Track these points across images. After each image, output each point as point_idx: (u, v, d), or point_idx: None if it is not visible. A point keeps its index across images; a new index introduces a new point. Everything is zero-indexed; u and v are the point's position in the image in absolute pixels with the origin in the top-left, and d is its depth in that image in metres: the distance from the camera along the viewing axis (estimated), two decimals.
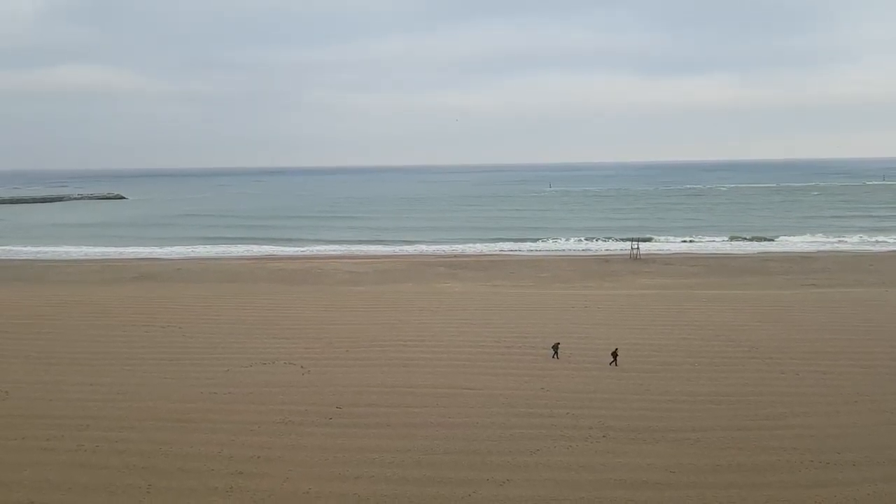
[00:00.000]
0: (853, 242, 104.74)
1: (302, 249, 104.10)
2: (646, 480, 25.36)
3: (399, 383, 36.55)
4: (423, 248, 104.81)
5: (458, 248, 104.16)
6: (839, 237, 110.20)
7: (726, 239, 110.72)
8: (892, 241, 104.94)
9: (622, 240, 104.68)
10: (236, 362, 40.52)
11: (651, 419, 31.20)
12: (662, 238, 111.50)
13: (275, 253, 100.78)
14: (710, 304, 56.87)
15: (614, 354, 39.66)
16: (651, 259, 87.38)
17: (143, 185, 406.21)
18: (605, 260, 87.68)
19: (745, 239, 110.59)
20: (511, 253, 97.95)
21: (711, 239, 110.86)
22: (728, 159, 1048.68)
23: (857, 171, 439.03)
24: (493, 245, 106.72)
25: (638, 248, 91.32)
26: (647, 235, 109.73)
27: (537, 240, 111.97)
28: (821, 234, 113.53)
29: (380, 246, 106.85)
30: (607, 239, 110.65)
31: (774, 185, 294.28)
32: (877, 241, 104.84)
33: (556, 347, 40.80)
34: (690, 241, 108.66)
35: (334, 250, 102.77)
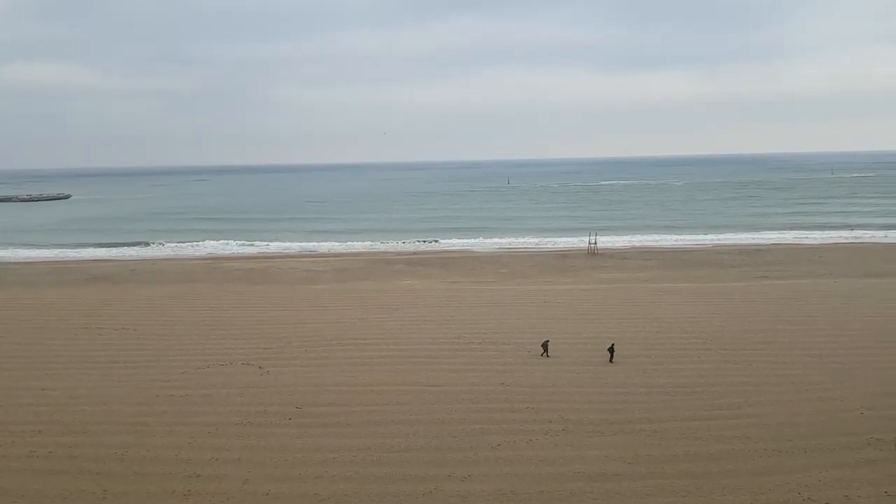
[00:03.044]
0: (803, 235, 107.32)
1: (259, 248, 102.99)
2: (604, 472, 25.71)
3: (360, 382, 36.43)
4: (383, 245, 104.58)
5: (418, 244, 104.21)
6: (790, 230, 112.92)
7: (681, 233, 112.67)
8: (840, 233, 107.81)
9: (580, 235, 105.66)
10: (193, 364, 39.95)
11: (609, 411, 31.63)
12: (620, 233, 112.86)
13: (231, 252, 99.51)
14: (665, 297, 57.82)
15: (545, 346, 40.14)
16: (608, 254, 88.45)
17: (95, 184, 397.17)
18: (564, 255, 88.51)
19: (700, 233, 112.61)
20: (471, 249, 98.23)
21: (667, 233, 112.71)
22: (685, 154, 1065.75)
23: (808, 165, 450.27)
24: (452, 241, 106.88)
25: (595, 243, 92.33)
26: (605, 230, 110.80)
27: (496, 236, 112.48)
28: (772, 228, 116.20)
29: (339, 244, 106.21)
30: (565, 234, 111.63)
31: (727, 179, 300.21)
32: (826, 233, 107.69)
33: (545, 346, 40.73)
34: (646, 236, 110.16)
35: (292, 249, 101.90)
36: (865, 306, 52.33)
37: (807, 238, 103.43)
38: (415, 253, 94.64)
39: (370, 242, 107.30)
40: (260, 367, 39.12)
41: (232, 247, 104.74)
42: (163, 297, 61.01)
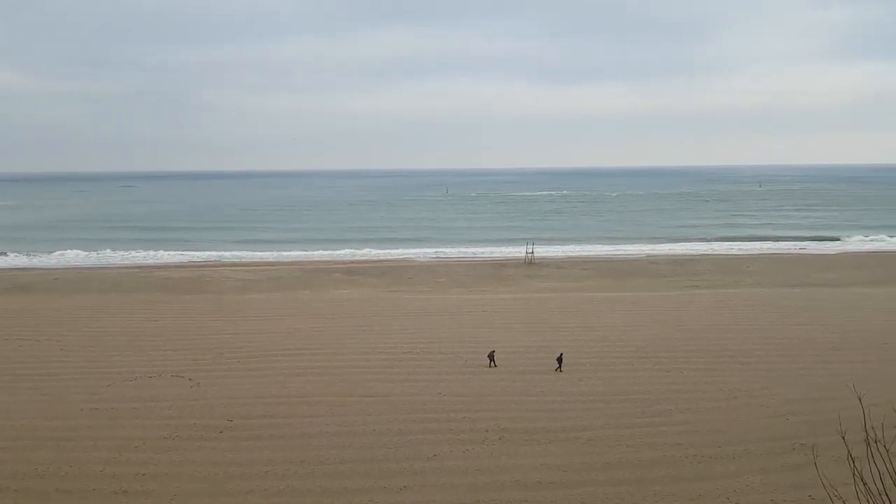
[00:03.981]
0: (732, 245, 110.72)
1: (190, 256, 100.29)
2: (540, 480, 25.82)
3: (294, 393, 35.80)
4: (319, 253, 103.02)
5: (355, 253, 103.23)
6: (720, 241, 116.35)
7: (616, 243, 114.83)
8: (766, 244, 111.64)
9: (518, 244, 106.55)
10: (120, 376, 38.60)
11: (545, 420, 31.84)
12: (556, 242, 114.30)
13: (161, 260, 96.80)
14: (601, 305, 58.75)
15: (490, 357, 40.28)
16: (545, 263, 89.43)
17: (15, 189, 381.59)
18: (501, 264, 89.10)
19: (634, 243, 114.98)
20: (408, 258, 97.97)
21: (602, 243, 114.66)
22: (620, 166, 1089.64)
23: (737, 178, 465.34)
24: (390, 250, 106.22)
25: (533, 253, 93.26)
26: (542, 240, 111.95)
27: (434, 245, 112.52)
28: (703, 238, 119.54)
29: (273, 252, 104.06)
30: (503, 244, 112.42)
31: (660, 190, 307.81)
32: (753, 244, 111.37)
33: (491, 356, 40.58)
34: (582, 246, 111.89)
35: (225, 257, 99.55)
36: (789, 315, 54.17)
37: (736, 249, 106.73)
38: (352, 262, 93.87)
39: (307, 251, 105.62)
40: (190, 379, 38.05)
41: (161, 255, 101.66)
42: (88, 307, 58.90)
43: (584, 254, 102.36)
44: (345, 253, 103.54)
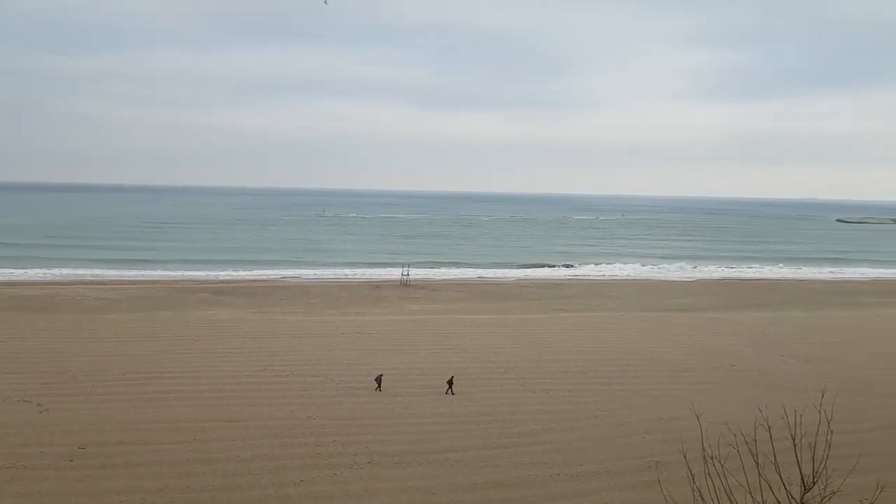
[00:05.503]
0: (596, 269, 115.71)
1: (45, 274, 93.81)
2: (408, 503, 25.81)
3: (153, 418, 34.13)
4: (185, 273, 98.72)
5: (224, 273, 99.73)
6: (586, 265, 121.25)
7: (489, 267, 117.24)
8: (628, 270, 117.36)
9: (393, 266, 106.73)
10: None
11: (414, 442, 31.92)
12: (432, 265, 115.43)
13: (12, 278, 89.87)
14: (473, 328, 59.74)
15: (378, 381, 40.03)
16: (420, 285, 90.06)
17: None
18: (377, 286, 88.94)
19: (505, 267, 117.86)
20: (280, 279, 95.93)
21: (475, 267, 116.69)
22: (496, 191, 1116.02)
23: (603, 206, 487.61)
24: (261, 270, 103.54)
25: (408, 275, 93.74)
26: (418, 262, 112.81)
27: (308, 265, 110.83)
28: (570, 263, 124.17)
29: (134, 270, 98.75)
30: (379, 265, 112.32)
31: (531, 216, 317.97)
32: (618, 269, 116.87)
33: (378, 380, 39.95)
34: (456, 269, 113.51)
35: (82, 275, 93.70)
36: (647, 338, 57.14)
37: (599, 274, 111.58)
38: (221, 281, 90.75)
39: (173, 270, 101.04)
40: (38, 405, 35.49)
41: (13, 272, 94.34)
42: None
43: (458, 276, 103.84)
44: (214, 272, 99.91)
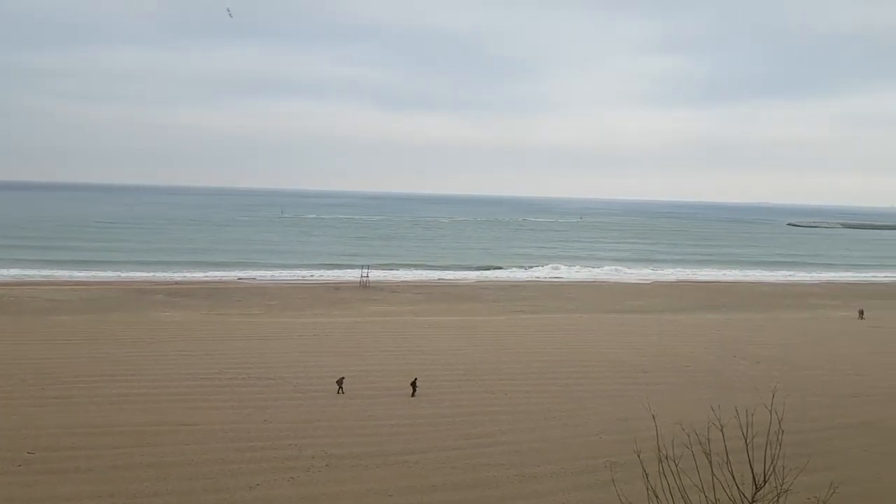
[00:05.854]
0: (554, 272, 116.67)
1: None
2: None
3: (105, 423, 33.38)
4: (139, 273, 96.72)
5: (180, 274, 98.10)
6: (544, 267, 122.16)
7: (448, 269, 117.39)
8: (586, 272, 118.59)
9: (353, 268, 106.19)
10: None
11: (373, 444, 31.75)
12: (392, 266, 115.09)
13: None
14: (431, 329, 59.74)
15: (339, 383, 39.78)
16: (380, 286, 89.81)
17: None
18: (336, 287, 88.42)
19: (464, 268, 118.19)
20: (238, 280, 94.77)
21: (435, 269, 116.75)
22: (456, 193, 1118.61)
23: (561, 209, 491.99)
24: (218, 272, 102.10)
25: (368, 276, 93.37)
26: (378, 264, 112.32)
27: (266, 267, 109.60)
28: (529, 265, 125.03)
29: (87, 271, 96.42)
30: (338, 267, 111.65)
31: (489, 218, 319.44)
32: (576, 271, 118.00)
33: (340, 382, 39.58)
34: (416, 270, 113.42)
35: (31, 275, 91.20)
36: (604, 339, 57.80)
37: (556, 274, 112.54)
38: (176, 283, 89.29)
39: (126, 271, 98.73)
40: None
41: None
42: None
43: (418, 278, 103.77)
44: (169, 273, 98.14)
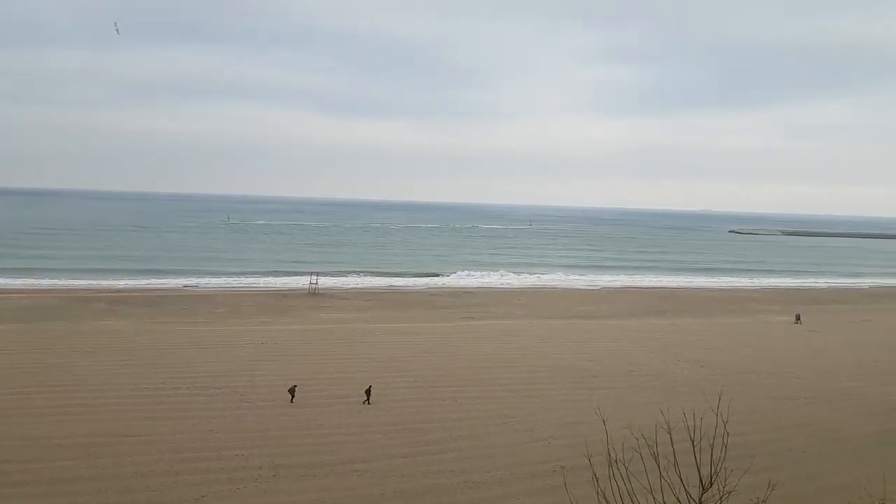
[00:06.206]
0: (504, 278, 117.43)
1: None
2: None
3: (44, 435, 32.26)
4: (79, 281, 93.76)
5: (122, 282, 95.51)
6: (495, 273, 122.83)
7: (399, 274, 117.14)
8: (534, 278, 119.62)
9: (302, 275, 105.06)
10: None
11: (322, 453, 31.40)
12: (341, 273, 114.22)
13: None
14: (382, 336, 59.43)
15: (291, 391, 39.24)
16: (329, 294, 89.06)
17: None
18: (284, 295, 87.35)
19: (415, 275, 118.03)
20: (182, 287, 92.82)
21: (385, 276, 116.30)
22: (407, 200, 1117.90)
23: (511, 216, 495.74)
24: (162, 279, 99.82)
25: (317, 283, 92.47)
26: (327, 271, 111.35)
27: (212, 274, 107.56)
28: (478, 271, 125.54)
29: (23, 279, 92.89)
30: (286, 274, 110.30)
31: (439, 225, 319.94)
32: (525, 277, 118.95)
33: (292, 391, 39.00)
34: (366, 277, 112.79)
35: None
36: (553, 345, 58.33)
37: (507, 282, 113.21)
38: (118, 291, 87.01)
39: (65, 279, 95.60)
40: None
41: None
42: None
43: (368, 285, 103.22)
44: (111, 281, 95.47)
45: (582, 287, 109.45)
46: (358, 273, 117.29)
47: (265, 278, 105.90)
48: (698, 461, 10.60)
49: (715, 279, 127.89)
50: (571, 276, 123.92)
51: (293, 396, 38.97)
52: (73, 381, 41.51)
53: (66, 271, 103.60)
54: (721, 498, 10.70)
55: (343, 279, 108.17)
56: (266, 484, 27.92)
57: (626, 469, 11.17)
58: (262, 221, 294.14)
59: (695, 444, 10.73)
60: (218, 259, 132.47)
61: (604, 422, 14.58)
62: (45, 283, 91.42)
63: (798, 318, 76.17)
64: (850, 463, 32.37)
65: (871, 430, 37.58)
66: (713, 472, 10.62)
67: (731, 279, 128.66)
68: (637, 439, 12.28)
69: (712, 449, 11.03)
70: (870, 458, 32.45)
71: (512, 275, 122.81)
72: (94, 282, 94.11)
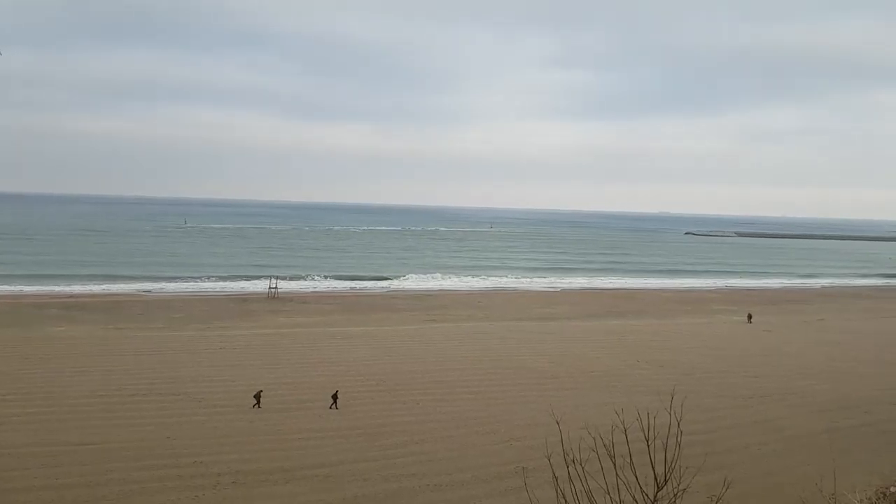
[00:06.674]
0: (465, 280, 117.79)
1: None
2: None
3: None
4: (31, 287, 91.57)
5: (76, 287, 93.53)
6: (456, 276, 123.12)
7: (360, 277, 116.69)
8: (496, 281, 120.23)
9: (261, 279, 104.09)
10: None
11: (283, 459, 31.14)
12: (301, 277, 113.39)
13: None
14: (343, 340, 59.16)
15: (257, 397, 38.87)
16: (289, 298, 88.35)
17: None
18: (243, 299, 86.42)
19: (376, 278, 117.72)
20: (139, 293, 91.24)
21: (345, 280, 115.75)
22: (367, 203, 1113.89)
23: (472, 219, 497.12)
24: (118, 284, 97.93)
25: (277, 287, 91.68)
26: (287, 275, 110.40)
27: (170, 279, 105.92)
28: (440, 274, 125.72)
29: None
30: (245, 278, 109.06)
31: (400, 228, 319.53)
32: (486, 279, 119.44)
33: (258, 396, 38.61)
34: (326, 281, 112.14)
35: None
36: (515, 346, 58.68)
37: (468, 285, 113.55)
38: (72, 296, 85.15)
39: (16, 285, 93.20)
40: None
41: None
42: None
43: (328, 288, 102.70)
44: (64, 287, 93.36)
45: (542, 289, 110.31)
46: (319, 276, 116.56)
47: (224, 283, 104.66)
48: (653, 460, 10.80)
49: (672, 280, 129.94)
50: (532, 279, 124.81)
51: (259, 402, 38.60)
52: (26, 390, 40.52)
53: (18, 277, 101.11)
54: (675, 495, 10.91)
55: (303, 283, 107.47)
56: (225, 491, 27.60)
57: (584, 469, 11.32)
58: (221, 225, 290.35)
59: (649, 443, 10.93)
60: (175, 264, 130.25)
61: (557, 423, 14.75)
62: None
63: (750, 317, 77.79)
64: (803, 459, 33.17)
65: (823, 427, 38.57)
66: (667, 470, 10.84)
67: (688, 280, 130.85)
68: (594, 439, 12.45)
69: (666, 448, 11.26)
70: (822, 454, 33.28)
71: (473, 277, 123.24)
72: (47, 287, 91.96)
